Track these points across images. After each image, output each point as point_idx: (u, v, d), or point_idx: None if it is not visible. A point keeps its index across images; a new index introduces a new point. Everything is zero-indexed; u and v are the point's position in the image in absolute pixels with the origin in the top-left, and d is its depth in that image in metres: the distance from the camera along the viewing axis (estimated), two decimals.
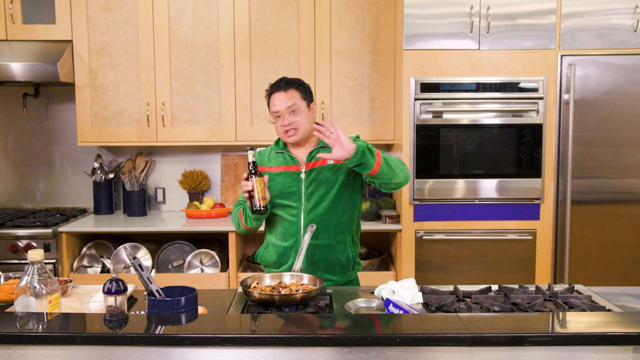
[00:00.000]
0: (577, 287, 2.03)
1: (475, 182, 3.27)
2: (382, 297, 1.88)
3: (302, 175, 2.22)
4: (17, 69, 3.35)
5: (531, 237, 3.29)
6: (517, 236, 3.29)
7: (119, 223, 3.58)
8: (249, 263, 3.51)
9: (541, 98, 3.23)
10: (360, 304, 1.86)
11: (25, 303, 1.62)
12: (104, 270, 3.48)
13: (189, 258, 3.39)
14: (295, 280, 2.01)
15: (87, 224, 3.49)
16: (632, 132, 3.25)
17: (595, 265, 3.32)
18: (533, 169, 3.27)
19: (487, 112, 3.24)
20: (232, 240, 3.34)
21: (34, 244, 3.27)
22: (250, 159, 2.12)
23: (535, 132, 3.25)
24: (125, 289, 1.64)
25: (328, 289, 2.09)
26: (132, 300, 1.97)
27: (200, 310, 1.75)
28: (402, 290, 1.84)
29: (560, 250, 3.30)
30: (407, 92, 3.23)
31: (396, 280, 1.95)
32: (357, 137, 2.29)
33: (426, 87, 3.23)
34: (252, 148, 2.13)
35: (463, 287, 2.00)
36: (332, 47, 3.52)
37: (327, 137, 2.00)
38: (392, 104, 3.55)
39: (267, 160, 2.31)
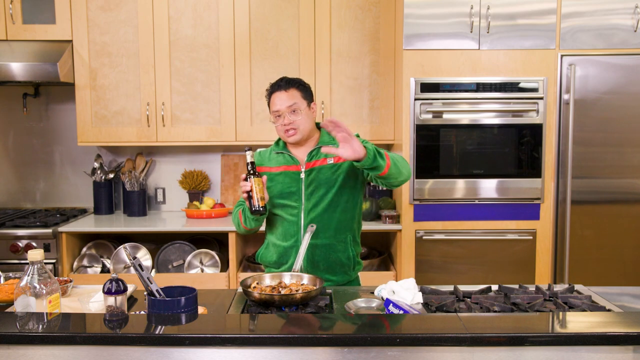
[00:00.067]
0: (577, 287, 2.03)
1: (475, 182, 3.27)
2: (382, 297, 1.88)
3: (302, 175, 2.22)
4: (17, 69, 3.35)
5: (531, 237, 3.29)
6: (517, 236, 3.29)
7: (119, 223, 3.58)
8: (249, 263, 3.51)
9: (541, 98, 3.23)
10: (360, 304, 1.86)
11: (25, 303, 1.62)
12: (104, 270, 3.48)
13: (189, 258, 3.39)
14: (295, 280, 2.01)
15: (87, 224, 3.49)
16: (632, 132, 3.26)
17: (595, 265, 3.32)
18: (533, 169, 3.27)
19: (487, 112, 3.24)
20: (232, 240, 3.34)
21: (34, 244, 3.27)
22: (249, 159, 2.12)
23: (535, 132, 3.25)
24: (125, 289, 1.64)
25: (328, 289, 2.09)
26: (132, 300, 1.97)
27: (200, 310, 1.75)
28: (402, 290, 1.84)
29: (560, 250, 3.30)
30: (407, 92, 3.23)
31: (396, 280, 1.95)
32: (357, 135, 2.29)
33: (426, 87, 3.23)
34: (251, 149, 2.14)
35: (463, 287, 2.00)
36: (332, 47, 3.52)
37: (337, 132, 1.92)
38: (392, 104, 3.55)
39: (267, 161, 2.31)
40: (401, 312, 1.70)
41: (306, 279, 2.00)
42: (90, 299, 1.86)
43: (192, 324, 1.59)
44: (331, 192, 2.21)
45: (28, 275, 1.63)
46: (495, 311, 1.76)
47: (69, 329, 1.54)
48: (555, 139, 3.26)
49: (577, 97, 3.22)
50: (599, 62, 3.22)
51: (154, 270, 3.43)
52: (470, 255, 3.30)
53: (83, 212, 3.85)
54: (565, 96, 3.24)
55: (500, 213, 3.28)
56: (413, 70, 3.23)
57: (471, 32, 3.20)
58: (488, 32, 3.20)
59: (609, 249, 3.31)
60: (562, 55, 3.21)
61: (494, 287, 2.01)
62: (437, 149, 3.26)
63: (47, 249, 3.28)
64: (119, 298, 1.62)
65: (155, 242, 3.67)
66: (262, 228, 2.38)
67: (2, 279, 2.09)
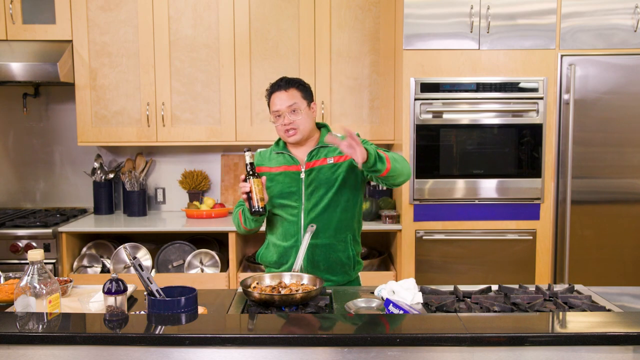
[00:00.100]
0: (577, 287, 2.03)
1: (475, 182, 3.27)
2: (382, 297, 1.88)
3: (302, 175, 2.22)
4: (17, 69, 3.35)
5: (531, 237, 3.29)
6: (517, 236, 3.29)
7: (119, 223, 3.58)
8: (249, 263, 3.51)
9: (541, 98, 3.23)
10: (360, 304, 1.86)
11: (25, 303, 1.62)
12: (104, 270, 3.48)
13: (189, 258, 3.39)
14: (295, 280, 2.01)
15: (87, 224, 3.49)
16: (632, 132, 3.25)
17: (595, 265, 3.32)
18: (533, 169, 3.27)
19: (487, 112, 3.24)
20: (232, 240, 3.34)
21: (34, 244, 3.27)
22: (248, 160, 2.12)
23: (535, 132, 3.25)
24: (125, 289, 1.64)
25: (328, 289, 2.09)
26: (132, 300, 1.97)
27: (200, 310, 1.75)
28: (402, 290, 1.84)
29: (560, 250, 3.30)
30: (407, 92, 3.23)
31: (396, 280, 1.95)
32: (357, 135, 2.29)
33: (426, 87, 3.22)
34: (250, 149, 2.14)
35: (463, 287, 2.00)
36: (332, 47, 3.52)
37: (345, 145, 1.94)
38: (392, 104, 3.55)
39: (267, 161, 2.31)
40: (401, 312, 1.70)
41: (306, 279, 2.00)
42: (90, 299, 1.86)
43: (192, 324, 1.59)
44: (331, 191, 2.21)
45: (28, 275, 1.63)
46: (495, 311, 1.76)
47: (69, 329, 1.54)
48: (555, 139, 3.26)
49: (577, 97, 3.22)
50: (599, 62, 3.22)
51: (154, 270, 3.43)
52: (470, 255, 3.30)
53: (83, 212, 3.85)
54: (565, 96, 3.24)
55: (500, 213, 3.28)
56: (413, 70, 3.23)
57: (471, 32, 3.20)
58: (488, 32, 3.20)
59: (609, 249, 3.31)
60: (562, 55, 3.21)
61: (494, 287, 2.01)
62: (437, 149, 3.26)
63: (47, 249, 3.28)
64: (119, 298, 1.62)
65: (155, 242, 3.67)
66: (263, 228, 2.39)
67: (2, 279, 2.09)
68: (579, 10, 3.19)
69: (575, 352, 1.47)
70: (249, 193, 2.10)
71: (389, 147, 3.72)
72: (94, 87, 3.55)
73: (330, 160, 2.22)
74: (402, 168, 2.09)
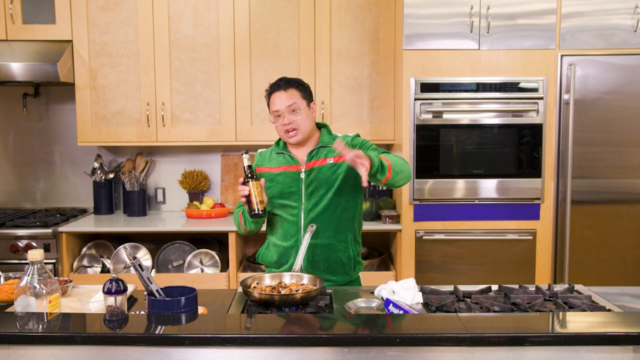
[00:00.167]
0: (577, 287, 2.03)
1: (475, 182, 3.27)
2: (382, 297, 1.88)
3: (302, 175, 2.22)
4: (17, 69, 3.35)
5: (531, 237, 3.29)
6: (517, 236, 3.29)
7: (119, 223, 3.58)
8: (249, 263, 3.51)
9: (541, 98, 3.23)
10: (360, 304, 1.86)
11: (25, 303, 1.62)
12: (104, 270, 3.48)
13: (189, 258, 3.39)
14: (295, 280, 2.01)
15: (87, 224, 3.49)
16: (632, 132, 3.25)
17: (595, 265, 3.32)
18: (533, 169, 3.27)
19: (487, 112, 3.24)
20: (232, 240, 3.34)
21: (34, 244, 3.27)
22: (246, 163, 2.11)
23: (535, 132, 3.25)
24: (125, 289, 1.64)
25: (328, 289, 2.09)
26: (132, 300, 1.97)
27: (200, 310, 1.75)
28: (402, 290, 1.84)
29: (560, 250, 3.30)
30: (407, 92, 3.23)
31: (396, 280, 1.95)
32: (357, 135, 2.30)
33: (426, 87, 3.23)
34: (247, 152, 2.14)
35: (463, 287, 2.00)
36: (332, 47, 3.52)
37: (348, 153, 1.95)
38: (392, 104, 3.55)
39: (267, 161, 2.31)
40: (401, 312, 1.70)
41: (306, 279, 2.00)
42: (90, 299, 1.86)
43: (192, 324, 1.59)
44: (331, 191, 2.21)
45: (28, 275, 1.63)
46: (495, 311, 1.76)
47: (69, 329, 1.54)
48: (555, 139, 3.26)
49: (577, 97, 3.22)
50: (599, 62, 3.22)
51: (154, 270, 3.43)
52: (470, 255, 3.30)
53: (83, 212, 3.85)
54: (565, 96, 3.24)
55: (500, 213, 3.28)
56: (413, 70, 3.23)
57: (471, 32, 3.20)
58: (488, 32, 3.20)
59: (609, 249, 3.31)
60: (562, 55, 3.21)
61: (494, 287, 2.01)
62: (437, 149, 3.26)
63: (47, 249, 3.28)
64: (119, 298, 1.62)
65: (155, 242, 3.67)
66: (263, 228, 2.39)
67: (2, 279, 2.09)
68: (579, 10, 3.19)
69: (575, 352, 1.47)
70: (248, 196, 2.09)
71: (388, 147, 3.72)
72: (94, 87, 3.55)
73: (330, 160, 2.22)
74: (402, 172, 2.09)
